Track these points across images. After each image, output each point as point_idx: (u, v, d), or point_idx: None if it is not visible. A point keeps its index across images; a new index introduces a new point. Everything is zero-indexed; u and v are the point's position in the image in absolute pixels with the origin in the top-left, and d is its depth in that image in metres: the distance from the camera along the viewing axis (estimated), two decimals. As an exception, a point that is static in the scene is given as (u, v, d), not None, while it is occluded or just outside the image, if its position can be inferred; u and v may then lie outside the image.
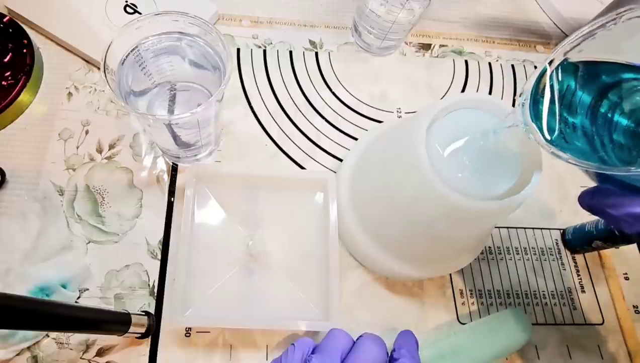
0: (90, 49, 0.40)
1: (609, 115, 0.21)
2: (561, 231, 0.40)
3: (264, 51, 0.44)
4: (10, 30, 0.39)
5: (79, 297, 0.33)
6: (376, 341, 0.28)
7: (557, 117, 0.21)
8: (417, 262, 0.34)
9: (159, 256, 0.35)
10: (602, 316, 0.37)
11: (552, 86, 0.22)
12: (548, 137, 0.21)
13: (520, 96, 0.22)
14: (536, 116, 0.22)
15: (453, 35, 0.48)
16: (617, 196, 0.21)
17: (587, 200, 0.23)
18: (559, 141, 0.21)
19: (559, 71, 0.22)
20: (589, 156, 0.21)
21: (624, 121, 0.20)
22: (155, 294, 0.34)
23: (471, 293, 0.37)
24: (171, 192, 0.37)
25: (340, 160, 0.40)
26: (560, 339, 0.36)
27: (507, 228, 0.40)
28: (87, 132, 0.38)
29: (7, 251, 0.32)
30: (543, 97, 0.22)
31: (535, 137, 0.22)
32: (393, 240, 0.33)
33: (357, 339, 0.28)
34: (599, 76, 0.21)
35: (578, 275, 0.39)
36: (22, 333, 0.30)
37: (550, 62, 0.22)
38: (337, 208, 0.35)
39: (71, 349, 0.31)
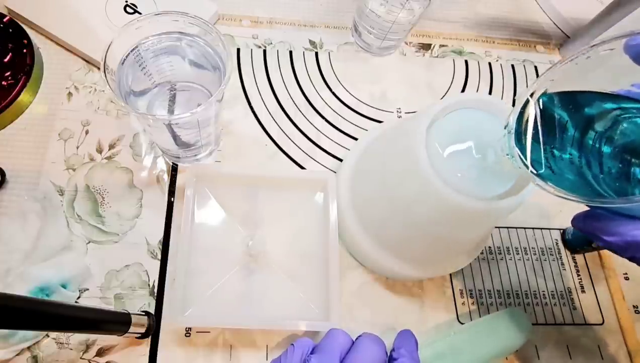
0: (90, 49, 0.40)
1: (597, 145, 0.21)
2: (561, 231, 0.40)
3: (264, 51, 0.44)
4: (10, 30, 0.39)
5: (79, 297, 0.33)
6: (375, 341, 0.28)
7: (543, 148, 0.22)
8: (417, 262, 0.34)
9: (159, 256, 0.35)
10: (602, 316, 0.37)
11: (535, 118, 0.22)
12: (532, 169, 0.22)
13: (505, 127, 0.23)
14: (521, 147, 0.22)
15: (453, 35, 0.48)
16: (609, 220, 0.21)
17: (580, 223, 0.23)
18: (546, 172, 0.22)
19: (542, 102, 0.22)
20: (580, 188, 0.21)
21: (611, 150, 0.21)
22: (155, 294, 0.34)
23: (471, 293, 0.37)
24: (171, 192, 0.37)
25: (340, 160, 0.40)
26: (560, 339, 0.36)
27: (507, 228, 0.40)
28: (87, 132, 0.38)
29: (7, 251, 0.32)
30: (527, 128, 0.22)
31: (520, 168, 0.22)
32: (393, 240, 0.33)
33: (356, 339, 0.28)
34: (582, 107, 0.22)
35: (578, 275, 0.39)
36: (22, 333, 0.30)
37: (532, 94, 0.22)
38: (337, 208, 0.35)
39: (71, 349, 0.31)
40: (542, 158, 0.22)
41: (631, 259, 0.22)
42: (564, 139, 0.22)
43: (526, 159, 0.22)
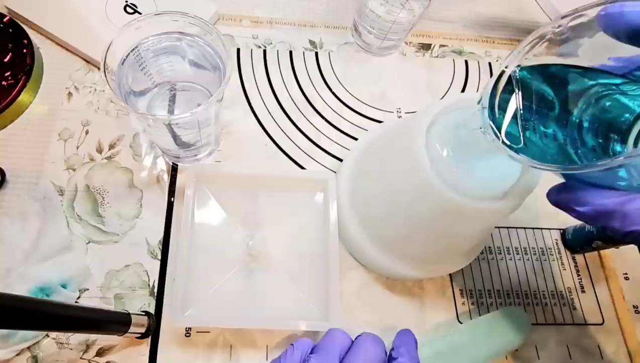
0: (90, 49, 0.40)
1: (576, 120, 0.21)
2: (561, 231, 0.40)
3: (264, 51, 0.44)
4: (10, 30, 0.39)
5: (79, 297, 0.33)
6: (375, 340, 0.28)
7: (519, 122, 0.22)
8: (417, 262, 0.34)
9: (159, 256, 0.35)
10: (602, 316, 0.37)
11: (510, 92, 0.22)
12: (506, 141, 0.22)
13: (478, 102, 0.23)
14: (495, 121, 0.22)
15: (453, 35, 0.48)
16: (582, 191, 0.21)
17: (554, 196, 0.23)
18: (520, 146, 0.22)
19: (517, 76, 0.22)
20: (557, 161, 0.21)
21: (590, 125, 0.21)
22: (155, 294, 0.34)
23: (471, 293, 0.37)
24: (171, 192, 0.37)
25: (340, 160, 0.40)
26: (560, 339, 0.36)
27: (507, 228, 0.40)
28: (87, 132, 0.38)
29: (7, 251, 0.32)
30: (502, 102, 0.22)
31: (493, 140, 0.22)
32: (393, 239, 0.33)
33: (356, 339, 0.28)
34: (559, 82, 0.22)
35: (578, 275, 0.39)
36: (22, 333, 0.30)
37: (506, 67, 0.22)
38: (337, 208, 0.35)
39: (71, 349, 0.31)
40: (518, 131, 0.22)
41: (603, 229, 0.21)
42: (542, 113, 0.22)
43: (500, 132, 0.22)
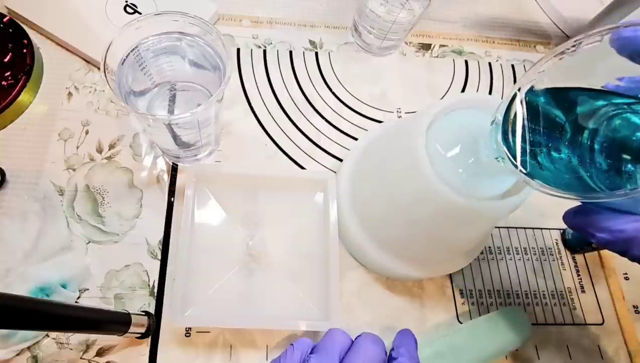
0: (90, 49, 0.40)
1: (587, 142, 0.21)
2: (561, 231, 0.40)
3: (264, 51, 0.44)
4: (10, 30, 0.39)
5: (79, 297, 0.33)
6: (375, 340, 0.28)
7: (530, 145, 0.22)
8: (417, 262, 0.34)
9: (159, 256, 0.35)
10: (602, 316, 0.37)
11: (524, 114, 0.22)
12: (519, 165, 0.22)
13: (491, 123, 0.23)
14: (508, 145, 0.22)
15: (453, 35, 0.48)
16: (599, 215, 0.21)
17: (570, 219, 0.23)
18: (534, 170, 0.21)
19: (530, 99, 0.22)
20: (572, 184, 0.21)
21: (602, 146, 0.21)
22: (155, 294, 0.34)
23: (471, 293, 0.37)
24: (171, 192, 0.37)
25: (340, 160, 0.40)
26: (560, 339, 0.36)
27: (507, 228, 0.40)
28: (87, 132, 0.38)
29: (7, 251, 0.32)
30: (515, 124, 0.22)
31: (506, 164, 0.22)
32: (393, 240, 0.33)
33: (356, 339, 0.28)
34: (572, 104, 0.22)
35: (578, 275, 0.39)
36: (22, 333, 0.30)
37: (519, 89, 0.22)
38: (337, 208, 0.35)
39: (71, 349, 0.31)
40: (529, 155, 0.22)
41: (623, 254, 0.21)
42: (553, 137, 0.22)
43: (515, 158, 0.22)
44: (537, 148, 0.22)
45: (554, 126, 0.22)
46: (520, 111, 0.22)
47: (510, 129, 0.22)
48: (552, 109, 0.22)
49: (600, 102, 0.21)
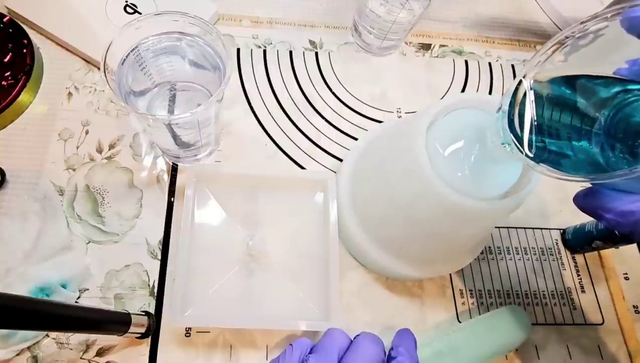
0: (90, 49, 0.40)
1: (600, 126, 0.21)
2: (561, 231, 0.40)
3: (264, 51, 0.44)
4: (10, 30, 0.39)
5: (79, 297, 0.33)
6: (374, 340, 0.28)
7: (537, 131, 0.22)
8: (417, 262, 0.34)
9: (159, 256, 0.35)
10: (602, 316, 0.37)
11: (530, 99, 0.22)
12: (528, 151, 0.21)
13: (498, 110, 0.23)
14: (515, 132, 0.22)
15: (453, 35, 0.48)
16: (609, 197, 0.21)
17: (579, 201, 0.23)
18: (543, 155, 0.21)
19: (536, 85, 0.22)
20: (582, 167, 0.21)
21: (616, 130, 0.20)
22: (155, 294, 0.34)
23: (471, 293, 0.37)
24: (171, 192, 0.37)
25: (340, 160, 0.40)
26: (560, 339, 0.36)
27: (507, 228, 0.40)
28: (87, 132, 0.38)
29: (7, 251, 0.32)
30: (523, 110, 0.22)
31: (512, 150, 0.22)
32: (393, 239, 0.33)
33: (355, 338, 0.28)
34: (580, 89, 0.21)
35: (578, 275, 0.39)
36: (22, 333, 0.30)
37: (524, 76, 0.22)
38: (337, 208, 0.35)
39: (71, 349, 0.31)
40: (535, 140, 0.21)
41: (631, 235, 0.21)
42: (561, 122, 0.21)
43: (522, 144, 0.22)
44: (544, 134, 0.21)
45: (561, 111, 0.21)
46: (527, 97, 0.22)
47: (516, 114, 0.22)
48: (561, 95, 0.22)
49: (616, 89, 0.20)
